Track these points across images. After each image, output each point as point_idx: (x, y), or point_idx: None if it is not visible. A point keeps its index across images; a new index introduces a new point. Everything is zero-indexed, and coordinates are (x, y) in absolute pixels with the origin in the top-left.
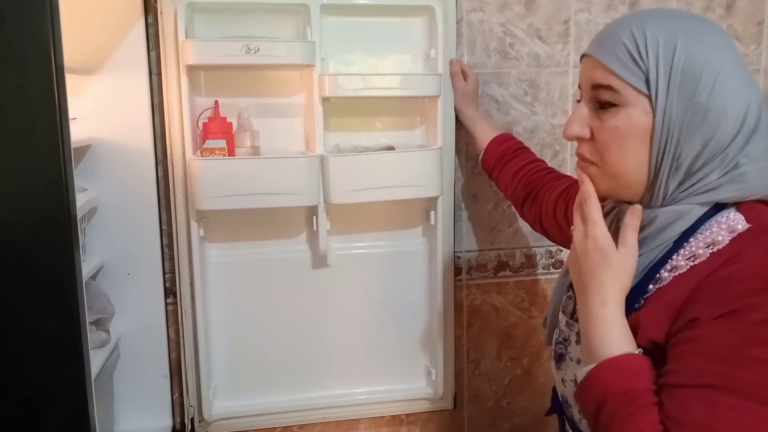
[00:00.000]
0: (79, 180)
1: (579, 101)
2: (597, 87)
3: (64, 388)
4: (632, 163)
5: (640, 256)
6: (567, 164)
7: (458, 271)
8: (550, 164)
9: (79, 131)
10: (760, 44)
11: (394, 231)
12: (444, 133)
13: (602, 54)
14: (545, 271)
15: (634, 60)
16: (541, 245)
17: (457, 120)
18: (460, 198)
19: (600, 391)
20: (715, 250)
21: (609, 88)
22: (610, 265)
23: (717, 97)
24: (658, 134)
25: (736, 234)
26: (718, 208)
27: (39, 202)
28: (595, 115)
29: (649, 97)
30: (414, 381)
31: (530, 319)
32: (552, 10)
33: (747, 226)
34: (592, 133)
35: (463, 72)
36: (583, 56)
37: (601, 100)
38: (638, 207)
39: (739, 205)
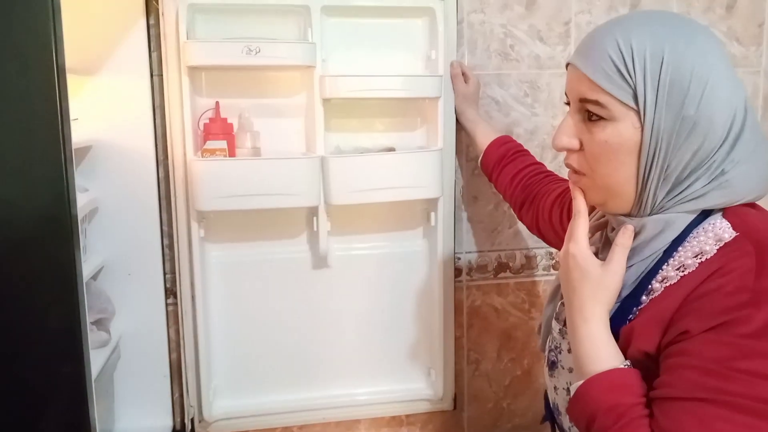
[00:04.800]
0: (80, 180)
1: (567, 103)
2: (584, 101)
3: (64, 387)
4: (622, 175)
5: (631, 266)
6: None
7: (458, 272)
8: (550, 166)
9: (80, 132)
10: (760, 45)
11: (394, 232)
12: (444, 135)
13: (588, 67)
14: (545, 272)
15: (621, 74)
16: (541, 246)
17: (458, 122)
18: (461, 199)
19: (589, 407)
20: (703, 259)
21: (597, 102)
22: (590, 283)
23: (705, 107)
24: (647, 147)
25: (723, 243)
26: (705, 214)
27: (40, 202)
28: (584, 127)
29: (638, 112)
30: (414, 382)
31: (530, 321)
32: (553, 11)
33: (734, 234)
34: (581, 144)
35: (463, 74)
36: (568, 64)
37: (590, 112)
38: (630, 227)
39: (725, 211)
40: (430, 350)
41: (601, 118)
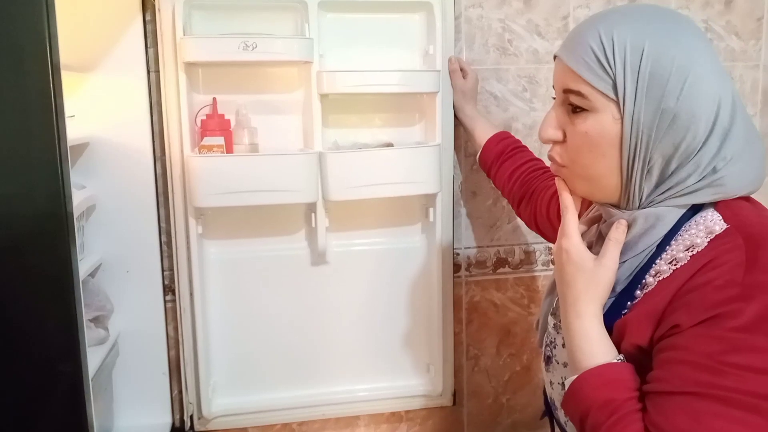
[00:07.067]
0: (77, 177)
1: (555, 98)
2: (568, 91)
3: (61, 385)
4: (603, 167)
5: (625, 261)
6: None
7: (457, 267)
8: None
9: (77, 129)
10: (759, 40)
11: (393, 228)
12: (443, 130)
13: (571, 59)
14: (544, 267)
15: (602, 65)
16: (540, 242)
17: (456, 117)
18: (459, 195)
19: (583, 402)
20: (694, 252)
21: (578, 93)
22: (584, 278)
23: (685, 100)
24: (627, 139)
25: (713, 236)
26: (696, 207)
27: (35, 199)
28: (568, 118)
29: (617, 103)
30: (413, 378)
31: (529, 316)
32: (551, 6)
33: (724, 226)
34: (564, 135)
35: (462, 69)
36: (555, 56)
37: (572, 104)
38: (624, 222)
39: (717, 203)
40: (429, 346)
41: (583, 109)
